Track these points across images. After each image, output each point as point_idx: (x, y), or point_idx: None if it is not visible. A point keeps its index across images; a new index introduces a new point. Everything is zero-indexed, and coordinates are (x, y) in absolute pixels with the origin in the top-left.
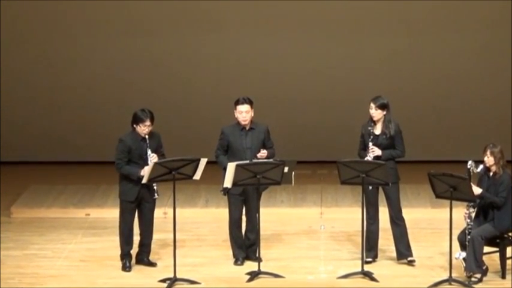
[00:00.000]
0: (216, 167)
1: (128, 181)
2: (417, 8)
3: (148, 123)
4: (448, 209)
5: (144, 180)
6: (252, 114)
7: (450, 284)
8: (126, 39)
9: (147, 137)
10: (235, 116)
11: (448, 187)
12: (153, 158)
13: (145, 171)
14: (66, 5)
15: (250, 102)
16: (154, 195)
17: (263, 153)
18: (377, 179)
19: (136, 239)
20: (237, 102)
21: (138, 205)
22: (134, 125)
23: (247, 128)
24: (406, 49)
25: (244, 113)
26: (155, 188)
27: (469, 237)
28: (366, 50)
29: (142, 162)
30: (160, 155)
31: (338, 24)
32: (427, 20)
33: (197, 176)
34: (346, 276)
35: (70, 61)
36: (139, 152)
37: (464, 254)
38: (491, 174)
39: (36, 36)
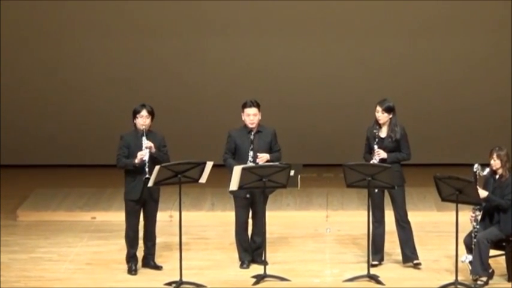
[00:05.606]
0: (222, 170)
1: (131, 179)
2: (422, 12)
3: (144, 114)
4: (454, 212)
5: (150, 184)
6: (260, 117)
7: (456, 287)
8: (130, 41)
9: (143, 128)
10: (243, 118)
11: (454, 190)
12: (147, 144)
13: (139, 158)
14: (69, 6)
15: (258, 105)
16: (146, 175)
17: (262, 156)
18: (383, 182)
19: (141, 241)
20: (245, 105)
21: (142, 207)
22: (134, 121)
23: (255, 131)
24: (411, 53)
25: (251, 116)
26: (147, 170)
27: (475, 240)
28: (371, 53)
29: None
30: (163, 154)
31: (342, 28)
32: (433, 24)
33: (203, 179)
34: (352, 279)
35: (75, 63)
36: (139, 148)
37: (470, 257)
38: (497, 177)
39: (38, 38)
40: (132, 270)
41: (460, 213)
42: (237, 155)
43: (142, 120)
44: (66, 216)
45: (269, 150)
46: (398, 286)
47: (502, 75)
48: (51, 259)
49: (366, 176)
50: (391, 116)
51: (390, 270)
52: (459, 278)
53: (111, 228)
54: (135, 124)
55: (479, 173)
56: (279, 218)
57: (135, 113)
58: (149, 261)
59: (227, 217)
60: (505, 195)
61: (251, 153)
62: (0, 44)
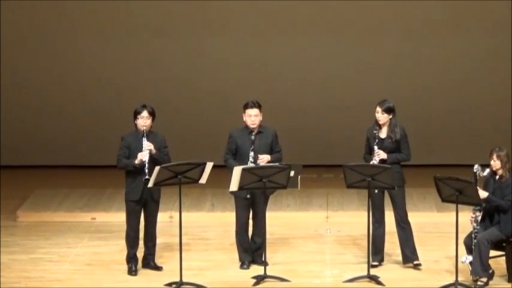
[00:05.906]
0: (222, 171)
1: (132, 180)
2: (422, 12)
3: (145, 114)
4: (454, 213)
5: (150, 184)
6: (261, 118)
7: None
8: (131, 42)
9: (144, 129)
10: (244, 119)
11: (454, 191)
12: (148, 146)
13: (138, 159)
14: (69, 6)
15: (259, 106)
16: (145, 176)
17: (263, 157)
18: (383, 182)
19: (142, 242)
20: (246, 106)
21: (143, 208)
22: (135, 121)
23: (256, 131)
24: (411, 53)
25: (253, 117)
26: (146, 171)
27: (475, 241)
28: (371, 54)
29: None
30: (163, 154)
31: (342, 29)
32: (433, 24)
33: (203, 180)
34: (352, 280)
35: (75, 64)
36: (139, 149)
37: (470, 258)
38: (497, 177)
39: (38, 38)
40: (132, 271)
41: (460, 214)
42: (237, 155)
43: (143, 121)
44: (66, 217)
45: (270, 151)
46: (398, 287)
47: (502, 75)
48: (51, 260)
49: (366, 176)
50: (391, 116)
51: (390, 271)
52: (459, 279)
53: (111, 228)
54: (135, 125)
55: (479, 173)
56: (279, 219)
57: (136, 114)
58: (149, 262)
59: (227, 218)
60: (505, 196)
61: (252, 153)
62: (0, 44)
